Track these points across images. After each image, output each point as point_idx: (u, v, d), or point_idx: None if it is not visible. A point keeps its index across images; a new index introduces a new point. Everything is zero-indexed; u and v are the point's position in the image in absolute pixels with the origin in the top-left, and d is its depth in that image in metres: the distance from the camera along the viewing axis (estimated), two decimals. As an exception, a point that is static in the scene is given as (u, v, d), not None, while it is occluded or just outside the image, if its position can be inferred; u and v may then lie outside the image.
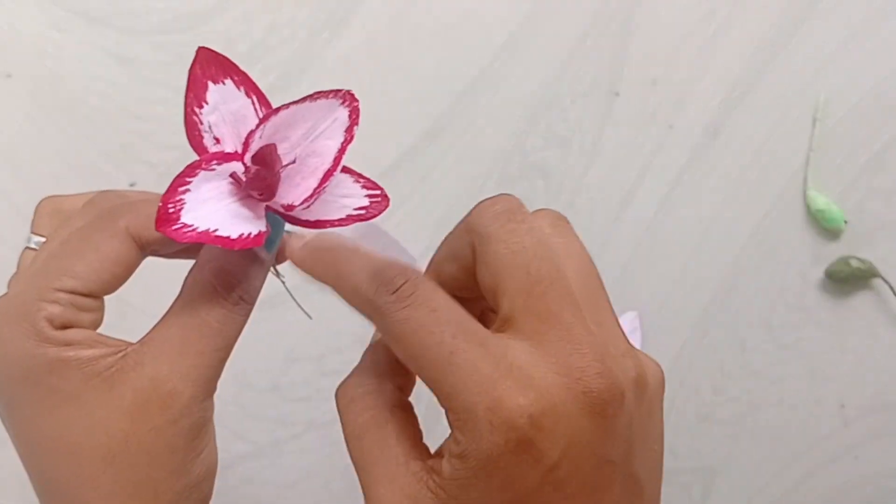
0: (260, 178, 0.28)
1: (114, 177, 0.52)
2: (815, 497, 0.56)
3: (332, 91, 0.28)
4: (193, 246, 0.29)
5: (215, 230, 0.27)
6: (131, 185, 0.52)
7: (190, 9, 0.53)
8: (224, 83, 0.29)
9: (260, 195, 0.28)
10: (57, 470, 0.28)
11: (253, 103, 0.29)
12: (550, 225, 0.27)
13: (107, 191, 0.31)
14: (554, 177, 0.55)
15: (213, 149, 0.28)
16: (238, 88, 0.29)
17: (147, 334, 0.29)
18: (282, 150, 0.28)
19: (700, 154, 0.57)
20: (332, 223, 0.28)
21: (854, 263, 0.55)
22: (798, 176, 0.57)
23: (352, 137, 0.28)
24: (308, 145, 0.29)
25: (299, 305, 0.36)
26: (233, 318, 0.29)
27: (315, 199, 0.28)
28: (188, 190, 0.27)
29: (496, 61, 0.55)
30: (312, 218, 0.29)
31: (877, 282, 0.56)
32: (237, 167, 0.28)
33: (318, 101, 0.28)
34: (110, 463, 0.27)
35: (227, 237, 0.27)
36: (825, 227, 0.56)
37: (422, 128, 0.54)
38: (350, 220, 0.28)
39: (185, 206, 0.27)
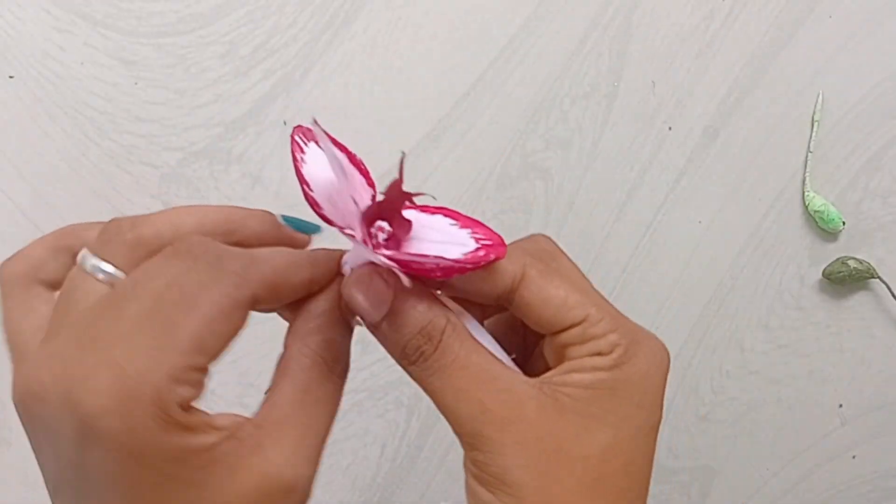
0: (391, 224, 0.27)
1: (116, 178, 0.52)
2: (813, 496, 0.56)
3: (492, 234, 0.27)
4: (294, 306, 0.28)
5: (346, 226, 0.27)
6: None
7: (192, 11, 0.53)
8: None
9: (386, 239, 0.27)
10: None
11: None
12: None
13: (204, 238, 0.27)
14: (554, 177, 0.56)
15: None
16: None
17: (259, 413, 0.27)
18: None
19: (699, 155, 0.57)
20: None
21: (852, 264, 0.55)
22: (796, 177, 0.57)
23: (468, 269, 0.26)
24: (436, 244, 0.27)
25: None
26: (339, 391, 0.28)
27: (404, 264, 0.27)
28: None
29: (496, 63, 0.56)
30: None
31: (874, 282, 0.56)
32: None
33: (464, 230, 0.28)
34: None
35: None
36: (823, 228, 0.56)
37: (423, 130, 0.54)
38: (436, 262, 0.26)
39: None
